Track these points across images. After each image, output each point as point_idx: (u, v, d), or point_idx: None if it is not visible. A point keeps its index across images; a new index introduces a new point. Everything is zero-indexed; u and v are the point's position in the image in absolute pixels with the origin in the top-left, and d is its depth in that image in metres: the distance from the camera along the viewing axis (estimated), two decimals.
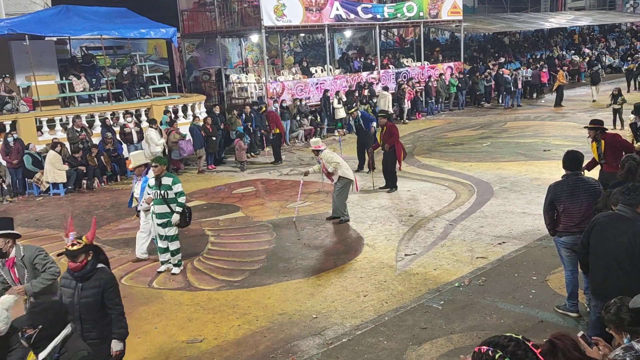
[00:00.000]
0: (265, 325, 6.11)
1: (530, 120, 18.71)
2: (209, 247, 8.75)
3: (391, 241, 8.42)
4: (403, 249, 8.08)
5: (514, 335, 2.06)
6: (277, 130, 15.26)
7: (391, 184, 11.29)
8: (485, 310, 6.12)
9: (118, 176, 14.07)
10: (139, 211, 8.21)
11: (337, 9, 19.66)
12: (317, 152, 9.63)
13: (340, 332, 5.83)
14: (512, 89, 21.87)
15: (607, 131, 7.97)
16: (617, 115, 15.83)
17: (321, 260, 7.88)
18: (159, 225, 7.62)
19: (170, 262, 7.79)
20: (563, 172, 5.79)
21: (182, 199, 7.58)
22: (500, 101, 22.92)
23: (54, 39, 16.85)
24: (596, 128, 7.85)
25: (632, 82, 23.61)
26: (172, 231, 7.63)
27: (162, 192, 7.50)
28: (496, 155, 13.72)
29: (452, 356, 5.26)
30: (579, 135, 15.20)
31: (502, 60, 26.25)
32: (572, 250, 5.59)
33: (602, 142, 7.77)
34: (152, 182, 7.63)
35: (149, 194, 7.72)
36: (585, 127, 8.22)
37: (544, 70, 24.32)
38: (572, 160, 5.59)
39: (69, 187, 13.07)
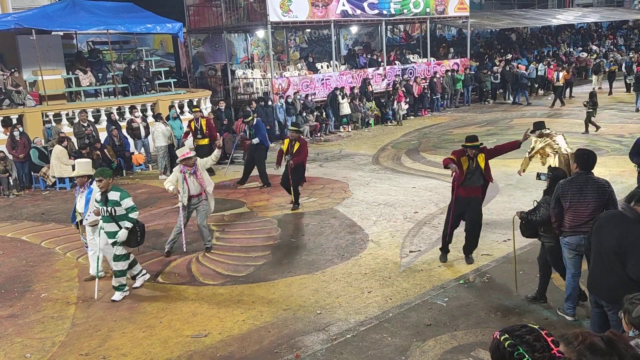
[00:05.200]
0: (269, 320, 6.12)
1: (537, 117, 18.57)
2: (213, 242, 8.76)
3: (396, 238, 8.41)
4: (408, 246, 8.07)
5: (529, 324, 2.07)
6: (206, 141, 12.84)
7: (297, 201, 10.24)
8: (489, 307, 6.11)
9: (124, 171, 14.13)
10: (83, 226, 7.50)
11: (343, 5, 19.61)
12: (188, 159, 7.94)
13: (344, 328, 5.84)
14: (529, 85, 21.82)
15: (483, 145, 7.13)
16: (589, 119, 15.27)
17: (326, 256, 7.88)
18: (111, 244, 6.92)
19: (140, 274, 7.23)
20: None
21: (133, 215, 6.85)
22: (506, 98, 22.82)
23: (61, 33, 16.91)
24: (474, 146, 6.96)
25: (613, 84, 22.88)
26: (119, 250, 6.85)
27: (109, 208, 6.75)
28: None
29: (456, 353, 5.26)
30: (586, 133, 15.16)
31: (510, 56, 26.13)
32: (576, 252, 5.56)
33: (482, 155, 7.03)
34: (97, 196, 6.86)
35: (96, 206, 6.94)
36: (464, 146, 7.09)
37: (551, 67, 24.20)
38: (587, 160, 5.47)
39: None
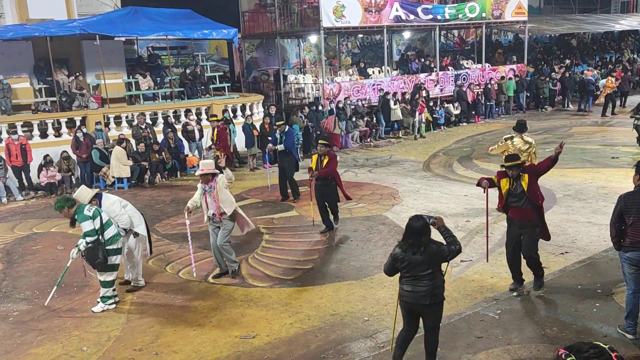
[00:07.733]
0: (317, 325, 6.12)
1: (597, 125, 17.87)
2: (263, 245, 8.87)
3: None
4: (459, 255, 7.88)
5: (599, 343, 1.93)
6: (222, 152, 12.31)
7: (330, 223, 9.28)
8: (545, 321, 5.89)
9: (178, 172, 14.53)
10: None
11: (397, 10, 19.49)
12: (211, 175, 7.33)
13: (392, 337, 5.76)
14: (596, 92, 20.85)
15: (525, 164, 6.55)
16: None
17: (374, 262, 7.82)
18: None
19: (108, 301, 6.85)
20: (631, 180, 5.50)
21: (85, 240, 6.54)
22: (566, 105, 22.00)
23: (123, 39, 17.59)
24: (516, 165, 6.27)
25: None
26: (103, 276, 6.75)
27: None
28: (560, 162, 13.11)
29: None
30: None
31: (568, 62, 25.22)
32: (637, 267, 5.30)
33: (525, 176, 6.24)
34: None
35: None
36: (504, 167, 6.52)
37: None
38: None
39: (132, 182, 13.60)
